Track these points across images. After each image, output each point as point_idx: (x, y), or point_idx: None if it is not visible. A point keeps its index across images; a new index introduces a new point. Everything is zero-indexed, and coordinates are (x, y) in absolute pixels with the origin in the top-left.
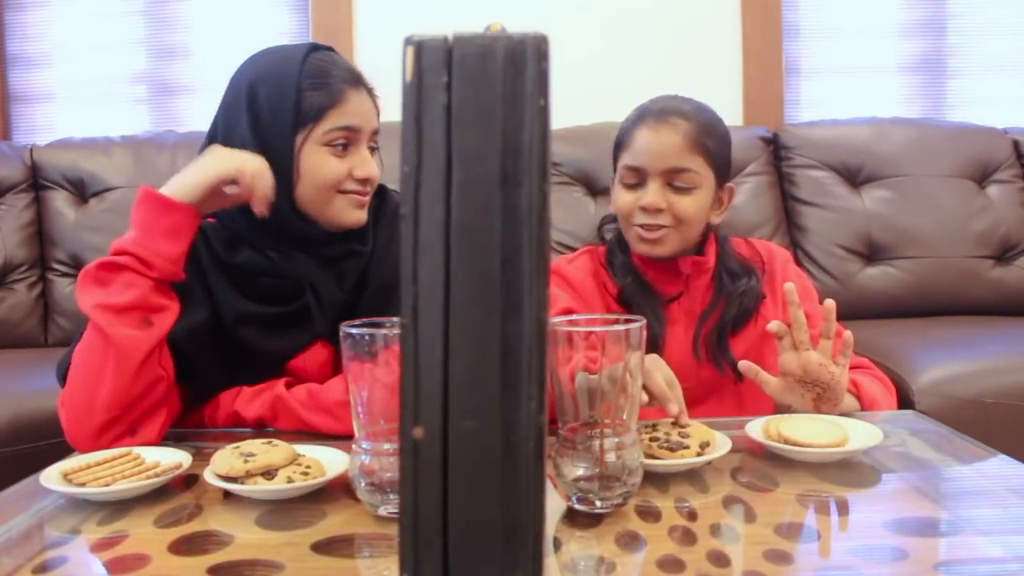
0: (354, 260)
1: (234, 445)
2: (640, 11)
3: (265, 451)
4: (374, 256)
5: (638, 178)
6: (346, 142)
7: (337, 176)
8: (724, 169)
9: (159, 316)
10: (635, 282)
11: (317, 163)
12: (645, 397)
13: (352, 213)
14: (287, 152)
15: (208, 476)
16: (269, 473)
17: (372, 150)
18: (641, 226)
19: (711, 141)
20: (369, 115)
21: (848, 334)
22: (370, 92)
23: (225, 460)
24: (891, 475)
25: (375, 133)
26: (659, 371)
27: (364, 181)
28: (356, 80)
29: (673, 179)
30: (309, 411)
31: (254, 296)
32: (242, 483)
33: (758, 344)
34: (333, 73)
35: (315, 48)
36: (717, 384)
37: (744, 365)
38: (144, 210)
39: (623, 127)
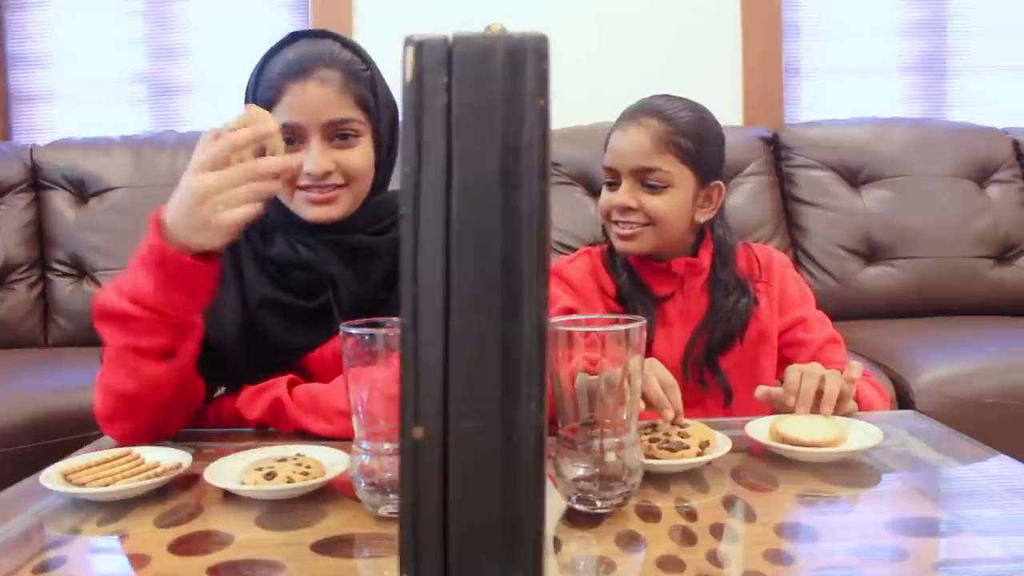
0: (378, 254)
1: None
2: (640, 11)
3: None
4: None
5: (613, 177)
6: (290, 139)
7: (283, 173)
8: (709, 168)
9: (183, 346)
10: (631, 280)
11: None
12: (640, 404)
13: (308, 210)
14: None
15: (208, 476)
16: (269, 473)
17: (342, 136)
18: (616, 223)
19: (686, 140)
20: (314, 107)
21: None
22: (339, 73)
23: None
24: (891, 475)
25: (341, 122)
26: (655, 376)
27: (313, 175)
28: (303, 69)
29: (644, 178)
30: (308, 416)
31: (282, 286)
32: (251, 483)
33: (752, 348)
34: (277, 66)
35: (294, 38)
36: (702, 397)
37: (761, 394)
38: (160, 268)
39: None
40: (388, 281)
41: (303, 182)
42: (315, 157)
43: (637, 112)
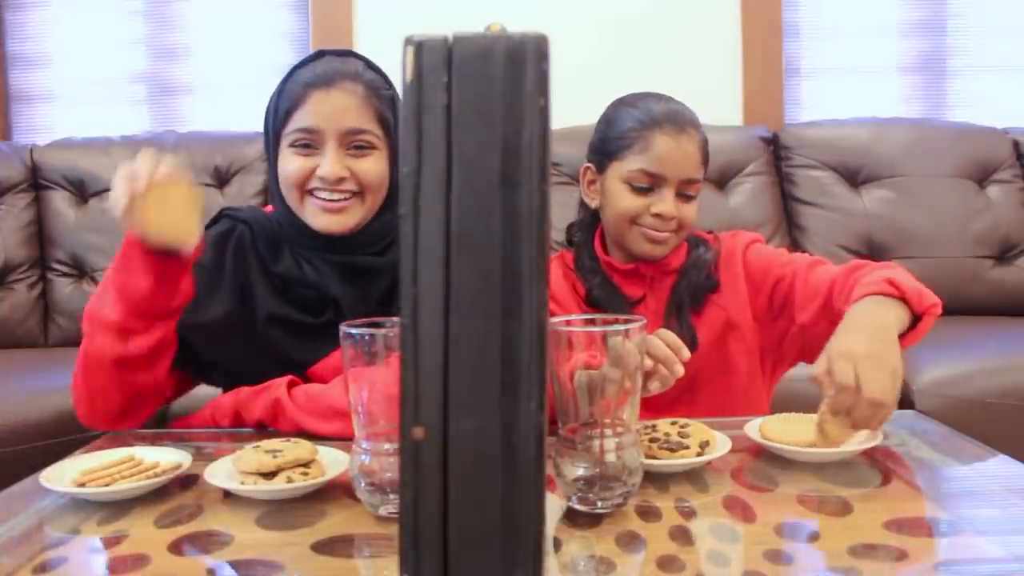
0: (379, 274)
1: (254, 445)
2: (640, 11)
3: (291, 447)
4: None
5: (652, 183)
6: (308, 142)
7: (296, 175)
8: None
9: (135, 339)
10: (603, 284)
11: (282, 163)
12: (649, 363)
13: (318, 217)
14: (273, 156)
15: (208, 476)
16: (269, 473)
17: (358, 147)
18: (650, 227)
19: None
20: (334, 113)
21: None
22: (363, 88)
23: (252, 457)
24: (891, 475)
25: (358, 132)
26: (661, 338)
27: (326, 180)
28: (328, 80)
29: (686, 188)
30: (307, 416)
31: (288, 301)
32: (251, 483)
33: (721, 334)
34: (303, 77)
35: (321, 54)
36: (688, 381)
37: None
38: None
39: (625, 125)
40: (387, 299)
41: (315, 185)
42: (330, 162)
43: (679, 121)
